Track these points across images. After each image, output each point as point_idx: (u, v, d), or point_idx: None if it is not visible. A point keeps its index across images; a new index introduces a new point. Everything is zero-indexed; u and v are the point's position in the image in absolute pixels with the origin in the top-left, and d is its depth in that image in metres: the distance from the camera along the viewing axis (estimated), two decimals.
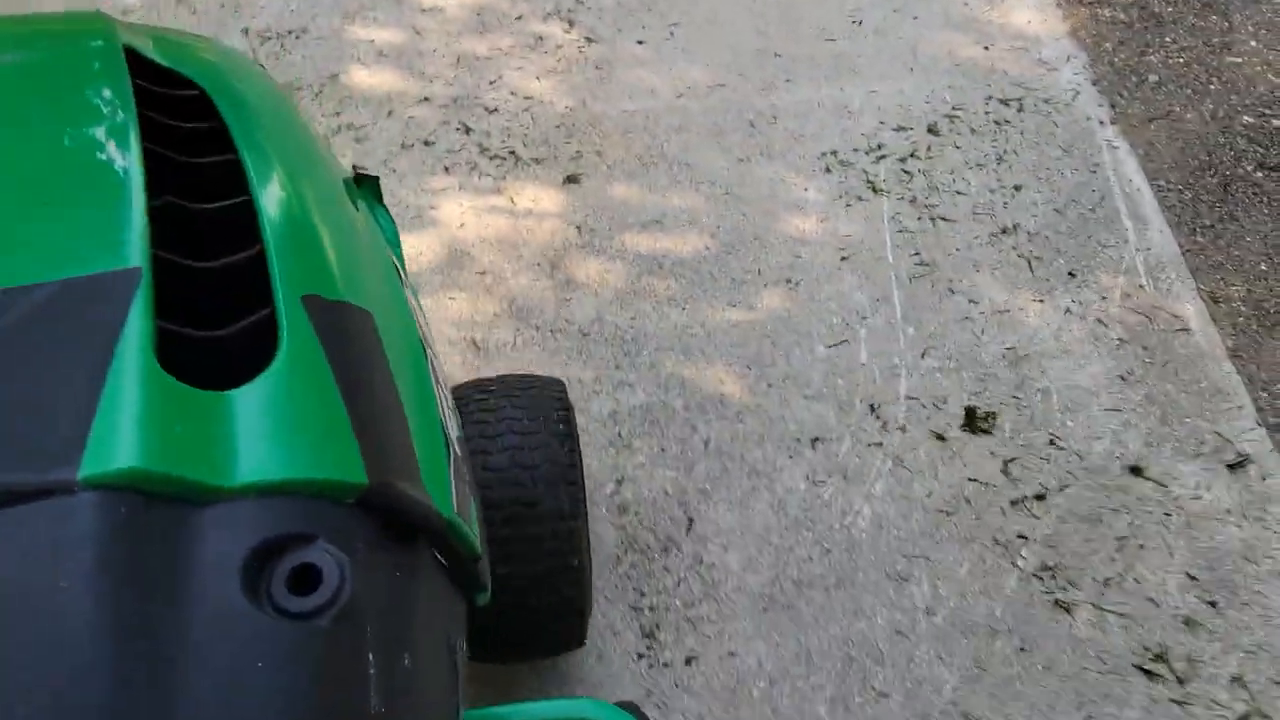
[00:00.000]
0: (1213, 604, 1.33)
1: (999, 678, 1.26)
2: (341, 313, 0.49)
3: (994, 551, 1.39)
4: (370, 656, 0.40)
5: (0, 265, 0.44)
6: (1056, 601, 1.33)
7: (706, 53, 2.25)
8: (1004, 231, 1.86)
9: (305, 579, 0.39)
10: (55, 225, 0.47)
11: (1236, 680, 1.26)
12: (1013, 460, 1.49)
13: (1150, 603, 1.33)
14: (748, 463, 1.48)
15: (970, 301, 1.73)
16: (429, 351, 0.59)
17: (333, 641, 0.38)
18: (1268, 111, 2.17)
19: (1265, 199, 1.97)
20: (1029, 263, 1.80)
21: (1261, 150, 2.08)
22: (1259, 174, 2.03)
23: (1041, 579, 1.36)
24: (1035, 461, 1.49)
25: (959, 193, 1.94)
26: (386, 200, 1.49)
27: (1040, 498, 1.45)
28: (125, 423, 0.38)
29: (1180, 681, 1.26)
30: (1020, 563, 1.37)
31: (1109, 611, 1.32)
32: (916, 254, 1.81)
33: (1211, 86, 2.24)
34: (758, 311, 1.70)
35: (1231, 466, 1.50)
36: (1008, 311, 1.72)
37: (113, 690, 0.34)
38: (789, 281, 1.75)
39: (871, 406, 1.56)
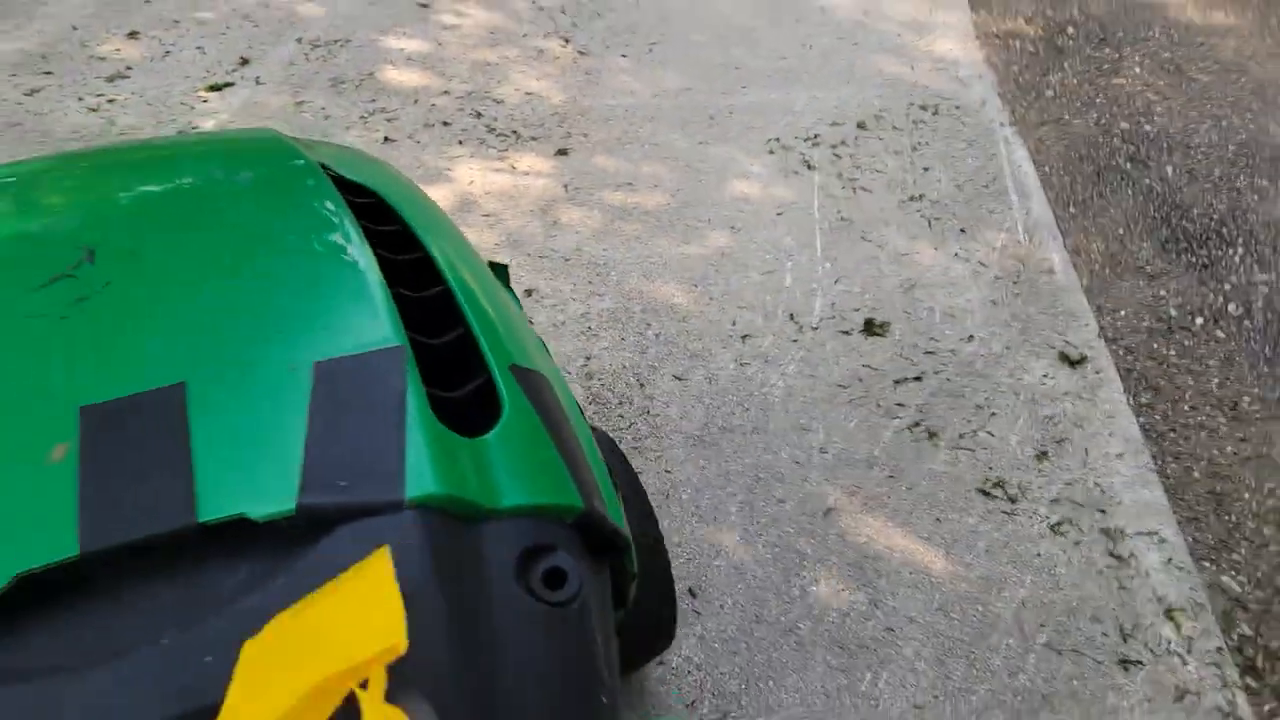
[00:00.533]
0: (1044, 454, 1.72)
1: (871, 494, 1.64)
2: (534, 377, 0.61)
3: (877, 413, 1.77)
4: (598, 637, 0.51)
5: (304, 342, 0.55)
6: (921, 446, 1.72)
7: (678, 65, 2.72)
8: (911, 199, 2.29)
9: (555, 578, 0.51)
10: (330, 310, 0.58)
11: (1055, 501, 1.64)
12: (899, 354, 1.89)
13: (994, 450, 1.71)
14: (689, 349, 1.88)
15: (878, 247, 2.15)
16: (576, 405, 0.71)
17: (579, 624, 0.50)
18: (1142, 119, 2.63)
19: (1130, 183, 2.40)
20: (929, 222, 2.23)
21: (1133, 148, 2.52)
22: (1128, 164, 2.47)
23: (912, 431, 1.74)
24: (917, 355, 1.89)
25: (877, 170, 2.37)
26: (414, 162, 1.96)
27: (918, 379, 1.84)
28: (427, 461, 0.49)
29: (1011, 500, 1.64)
30: (896, 421, 1.76)
31: (962, 450, 1.71)
32: (839, 213, 2.24)
33: (1098, 100, 2.70)
34: (705, 248, 2.12)
35: (1073, 363, 1.89)
36: (907, 255, 2.13)
37: (458, 652, 0.45)
38: (733, 228, 2.18)
39: (791, 315, 1.97)
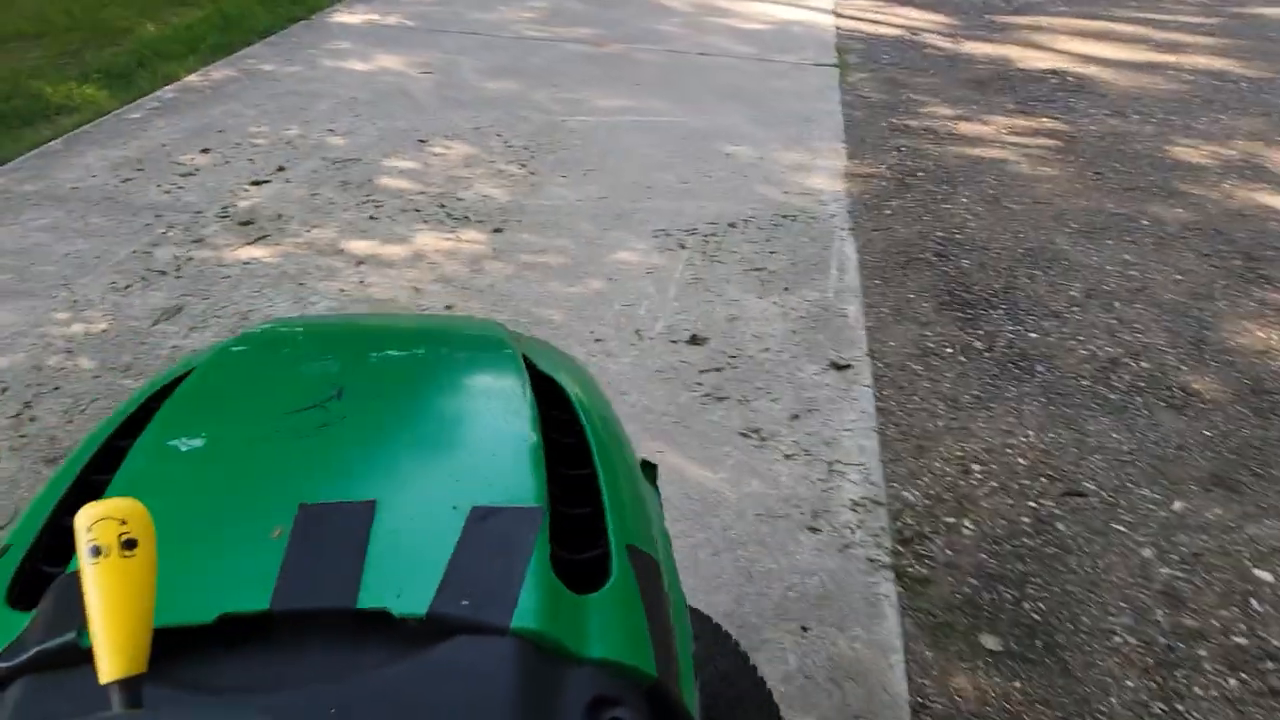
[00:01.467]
0: (796, 416, 2.34)
1: (660, 431, 2.27)
2: (646, 559, 0.70)
3: (680, 387, 2.43)
4: None
5: (469, 489, 0.67)
6: (707, 406, 2.36)
7: (603, 183, 3.59)
8: (753, 269, 3.03)
9: None
10: (496, 470, 0.71)
11: (795, 442, 2.25)
12: (709, 356, 2.57)
13: (760, 412, 2.35)
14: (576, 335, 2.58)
15: (717, 295, 2.87)
16: (683, 602, 0.80)
17: None
18: (955, 231, 3.39)
19: (931, 268, 3.13)
20: (762, 283, 2.96)
21: (941, 248, 3.27)
22: (934, 258, 3.20)
23: (702, 399, 2.39)
24: (722, 359, 2.56)
25: (733, 251, 3.14)
26: (389, 233, 2.80)
27: (718, 370, 2.51)
28: (534, 601, 0.59)
29: (762, 440, 2.25)
30: (693, 392, 2.41)
31: (735, 410, 2.34)
32: (694, 275, 2.98)
33: (924, 218, 3.48)
34: (585, 289, 2.87)
35: (839, 368, 2.55)
36: (737, 301, 2.85)
37: None
38: (609, 279, 2.93)
39: (636, 330, 2.67)
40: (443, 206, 3.34)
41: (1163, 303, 2.97)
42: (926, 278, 3.07)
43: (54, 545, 0.64)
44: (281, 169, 3.58)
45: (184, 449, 0.70)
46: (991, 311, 2.88)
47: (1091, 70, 5.30)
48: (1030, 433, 2.36)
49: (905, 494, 2.14)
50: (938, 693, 1.70)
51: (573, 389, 0.85)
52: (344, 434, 0.73)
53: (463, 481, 0.69)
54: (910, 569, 1.95)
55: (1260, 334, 2.83)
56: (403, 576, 0.59)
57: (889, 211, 3.52)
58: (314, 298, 2.76)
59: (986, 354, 2.67)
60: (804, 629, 1.78)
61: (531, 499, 0.66)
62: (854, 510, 2.06)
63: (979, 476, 2.21)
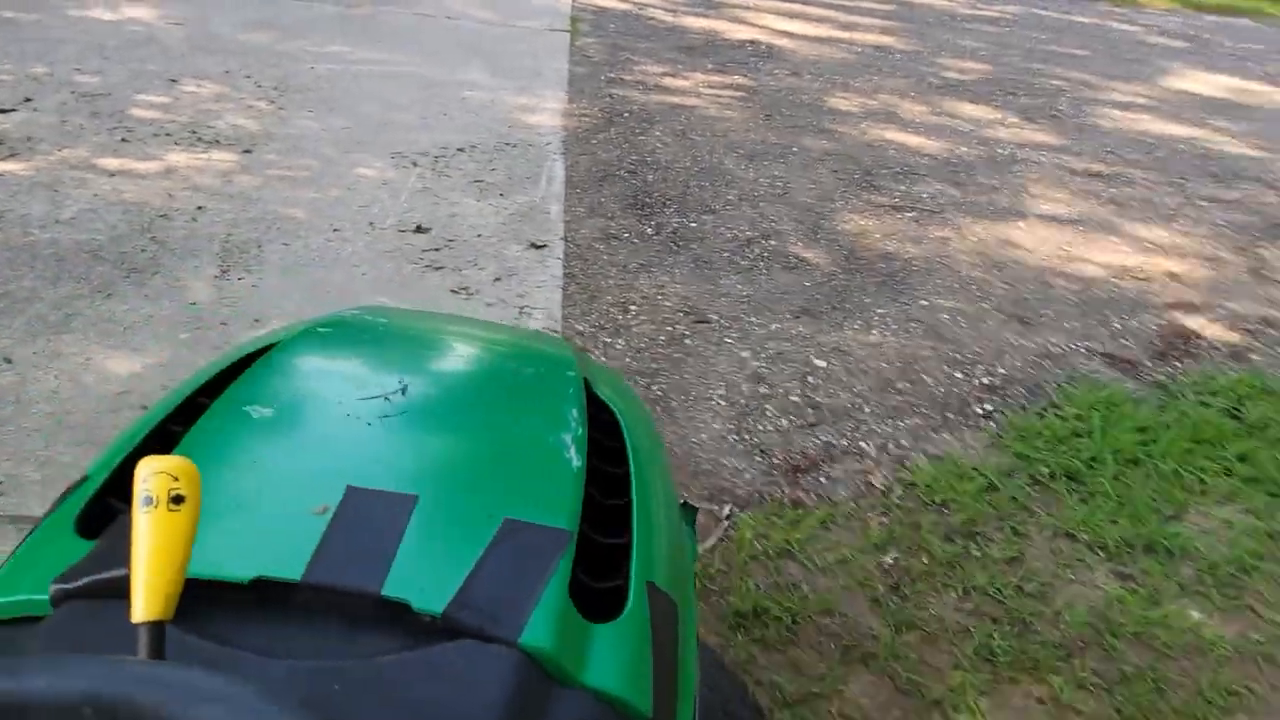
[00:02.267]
0: (498, 279, 2.97)
1: (384, 293, 2.82)
2: (664, 599, 0.71)
3: (404, 262, 2.99)
4: None
5: (506, 501, 0.69)
6: (425, 275, 2.93)
7: (347, 119, 4.05)
8: (475, 182, 3.63)
9: None
10: (536, 487, 0.72)
11: (496, 296, 2.87)
12: (430, 240, 3.14)
13: (469, 276, 2.95)
14: (297, 234, 3.06)
15: (442, 200, 3.44)
16: (695, 647, 0.81)
17: None
18: (647, 156, 4.14)
19: (622, 182, 3.85)
20: (481, 191, 3.56)
21: (633, 168, 4.00)
22: (626, 174, 3.93)
23: (422, 271, 2.96)
24: (441, 241, 3.14)
25: (460, 169, 3.72)
26: (135, 149, 3.13)
27: (436, 250, 3.09)
28: (548, 622, 0.60)
29: (469, 294, 2.86)
30: (414, 265, 2.98)
31: (449, 276, 2.93)
32: (424, 185, 3.54)
33: (624, 145, 4.22)
34: (326, 196, 3.36)
35: (537, 247, 3.20)
36: (458, 204, 3.44)
37: None
38: (349, 188, 3.43)
39: (370, 223, 3.20)
40: (194, 133, 3.70)
41: (796, 203, 3.86)
42: (618, 188, 3.79)
43: (123, 483, 0.66)
44: (29, 100, 3.78)
45: (255, 416, 0.74)
46: (665, 210, 3.65)
47: (782, 41, 6.32)
48: (678, 286, 3.12)
49: (577, 325, 2.82)
50: None
51: (626, 421, 0.86)
52: (401, 427, 0.75)
53: (501, 492, 0.70)
54: None
55: (862, 222, 3.77)
56: (427, 573, 0.60)
57: (595, 142, 4.23)
58: (68, 202, 3.08)
59: (655, 237, 3.42)
60: None
61: (562, 521, 0.67)
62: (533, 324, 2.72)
63: (634, 313, 2.93)
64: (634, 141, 4.28)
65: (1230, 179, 4.68)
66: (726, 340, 2.86)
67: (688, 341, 2.83)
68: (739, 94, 5.14)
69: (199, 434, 0.71)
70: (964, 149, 4.70)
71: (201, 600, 0.52)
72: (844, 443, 2.44)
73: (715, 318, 2.97)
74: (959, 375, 2.79)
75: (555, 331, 2.76)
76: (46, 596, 0.57)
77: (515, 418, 0.82)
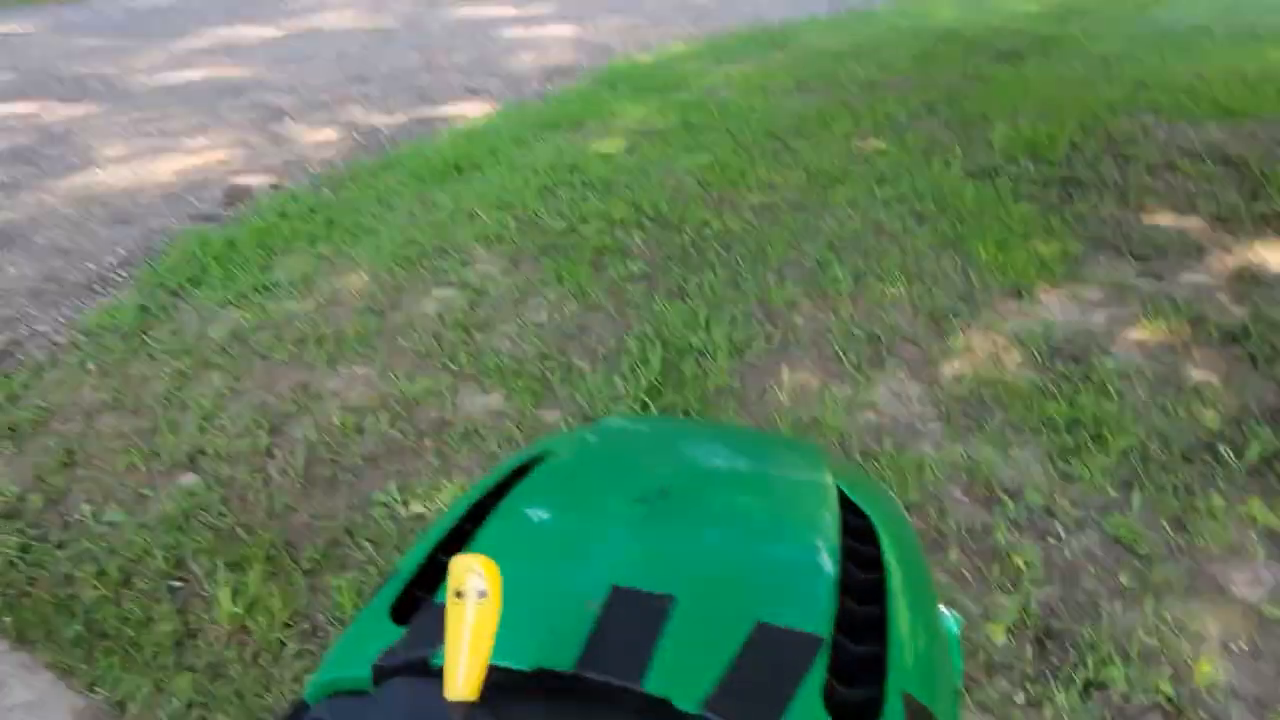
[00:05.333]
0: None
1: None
2: (921, 710, 0.66)
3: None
4: None
5: (760, 606, 0.68)
6: None
7: None
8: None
9: None
10: (789, 592, 0.71)
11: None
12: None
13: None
14: None
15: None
16: None
17: None
18: None
19: None
20: None
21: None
22: None
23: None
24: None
25: None
26: None
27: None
28: None
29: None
30: None
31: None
32: None
33: None
34: None
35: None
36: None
37: None
38: None
39: None
40: None
41: None
42: None
43: (429, 577, 0.74)
44: None
45: (535, 519, 0.80)
46: None
47: None
48: None
49: None
50: None
51: (883, 525, 0.86)
52: (662, 530, 0.78)
53: (754, 596, 0.71)
54: None
55: None
56: (685, 670, 0.62)
57: None
58: None
59: None
60: None
61: (814, 626, 0.67)
62: None
63: None
64: None
65: (241, 94, 6.18)
66: None
67: None
68: None
69: (488, 533, 0.77)
70: (20, 139, 5.28)
71: (492, 683, 0.55)
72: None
73: None
74: (91, 265, 3.64)
75: None
76: (368, 674, 0.64)
77: (769, 523, 0.85)
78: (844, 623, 0.69)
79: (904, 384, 2.62)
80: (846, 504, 0.86)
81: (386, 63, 6.85)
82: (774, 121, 5.14)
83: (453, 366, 2.75)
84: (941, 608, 0.89)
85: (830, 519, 0.80)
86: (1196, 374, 2.65)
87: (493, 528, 0.77)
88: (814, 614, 0.68)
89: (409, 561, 0.76)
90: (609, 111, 5.33)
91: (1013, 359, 2.73)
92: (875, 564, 0.78)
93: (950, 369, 2.68)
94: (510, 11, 9.22)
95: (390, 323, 3.03)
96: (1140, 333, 2.88)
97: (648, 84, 5.95)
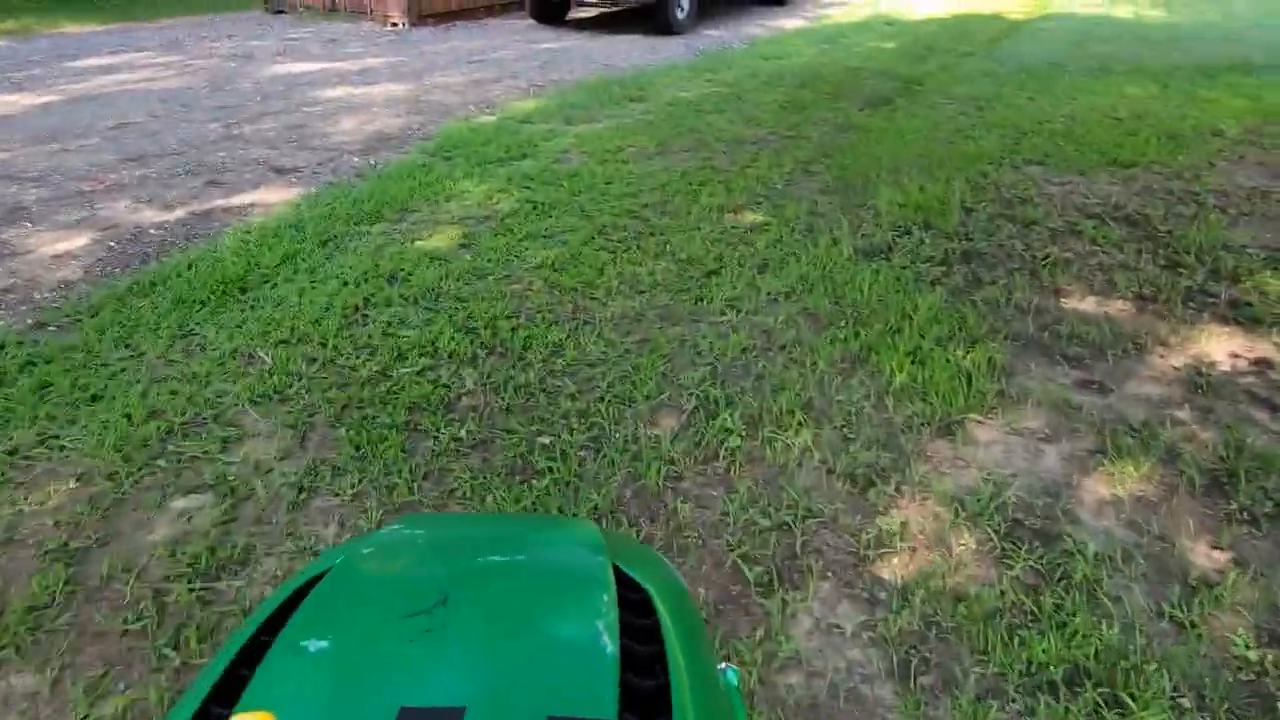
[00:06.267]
0: None
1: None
2: None
3: None
4: None
5: (548, 698, 0.67)
6: None
7: None
8: None
9: None
10: (573, 678, 0.71)
11: None
12: None
13: None
14: None
15: None
16: None
17: None
18: None
19: None
20: None
21: None
22: None
23: None
24: None
25: None
26: None
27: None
28: None
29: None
30: None
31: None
32: None
33: None
34: None
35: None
36: None
37: None
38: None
39: None
40: None
41: None
42: None
43: None
44: None
45: (312, 650, 0.76)
46: None
47: None
48: None
49: None
50: None
51: (659, 594, 0.87)
52: (445, 640, 0.76)
53: (542, 691, 0.71)
54: None
55: None
56: None
57: None
58: None
59: None
60: None
61: (601, 711, 0.68)
62: None
63: None
64: None
65: None
66: None
67: None
68: None
69: (267, 679, 0.72)
70: None
71: None
72: None
73: None
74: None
75: None
76: None
77: (548, 612, 0.85)
78: (629, 699, 0.71)
79: (832, 609, 1.91)
80: (622, 579, 0.86)
81: (176, 135, 5.74)
82: (635, 195, 4.47)
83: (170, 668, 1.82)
84: (720, 664, 0.91)
85: (608, 598, 0.81)
86: (1198, 555, 2.05)
87: (272, 668, 0.73)
88: (600, 699, 0.69)
89: (181, 713, 0.72)
90: (442, 192, 4.52)
91: (965, 547, 2.06)
92: (654, 635, 0.80)
93: (889, 574, 1.99)
94: (337, 65, 8.26)
95: (87, 582, 1.98)
96: (1107, 484, 2.29)
97: (489, 153, 5.18)
